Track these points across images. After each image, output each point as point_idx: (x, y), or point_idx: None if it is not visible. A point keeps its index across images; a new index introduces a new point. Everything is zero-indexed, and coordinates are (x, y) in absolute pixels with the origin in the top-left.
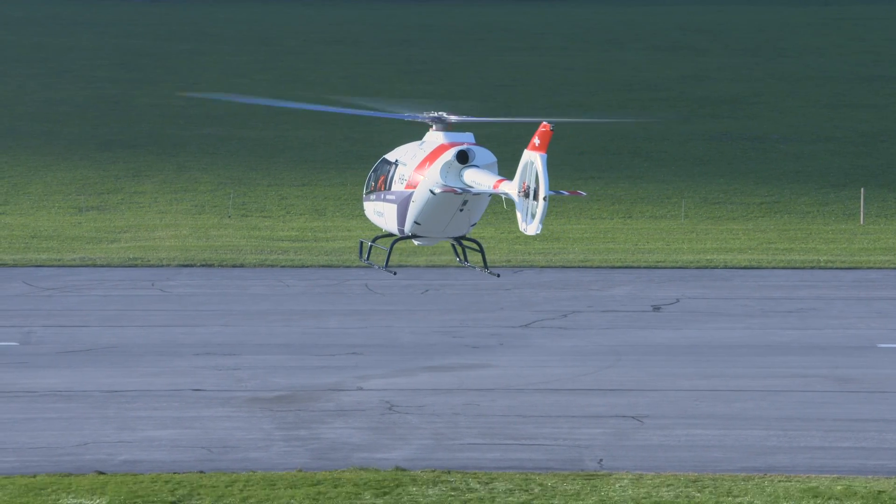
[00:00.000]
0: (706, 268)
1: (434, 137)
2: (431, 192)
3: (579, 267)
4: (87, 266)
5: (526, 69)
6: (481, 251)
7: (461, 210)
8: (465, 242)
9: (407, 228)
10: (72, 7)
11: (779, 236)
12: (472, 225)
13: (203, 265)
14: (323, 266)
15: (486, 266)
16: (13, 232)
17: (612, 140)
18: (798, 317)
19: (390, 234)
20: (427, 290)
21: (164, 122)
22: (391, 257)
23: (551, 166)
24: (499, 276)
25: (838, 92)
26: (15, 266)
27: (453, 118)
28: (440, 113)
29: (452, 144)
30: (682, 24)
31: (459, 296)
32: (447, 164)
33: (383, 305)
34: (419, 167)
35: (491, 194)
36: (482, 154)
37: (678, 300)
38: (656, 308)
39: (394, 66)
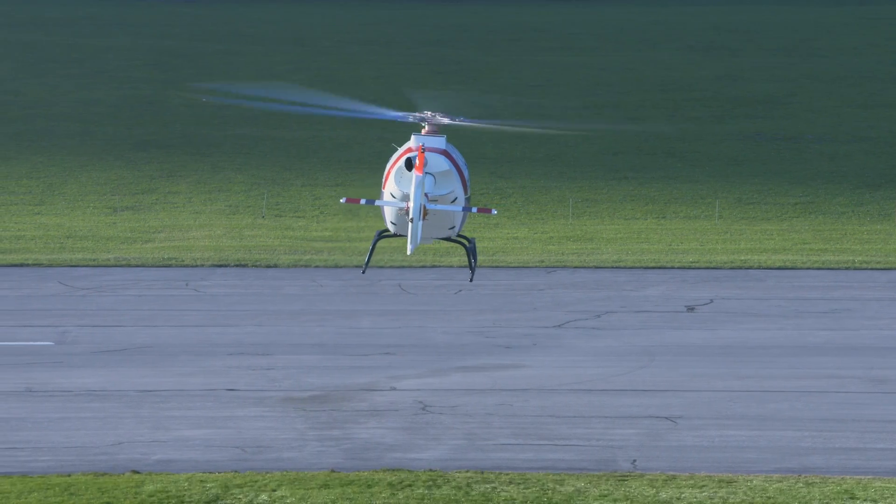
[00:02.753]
0: (740, 268)
1: (411, 140)
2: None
3: (613, 267)
4: (121, 266)
5: (559, 69)
6: (466, 252)
7: (425, 217)
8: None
9: (390, 228)
10: (107, 8)
11: (813, 237)
12: (452, 228)
13: (237, 265)
14: (356, 266)
15: (470, 266)
16: (48, 232)
17: (646, 140)
18: (832, 317)
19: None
20: (460, 291)
21: (198, 122)
22: (374, 255)
23: (585, 166)
24: (471, 280)
25: (873, 92)
26: (50, 266)
27: (445, 120)
28: (431, 113)
29: (420, 149)
30: (717, 24)
31: (492, 296)
32: (399, 170)
33: (416, 305)
34: (389, 170)
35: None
36: (434, 161)
37: (712, 301)
38: (690, 308)
39: (427, 67)
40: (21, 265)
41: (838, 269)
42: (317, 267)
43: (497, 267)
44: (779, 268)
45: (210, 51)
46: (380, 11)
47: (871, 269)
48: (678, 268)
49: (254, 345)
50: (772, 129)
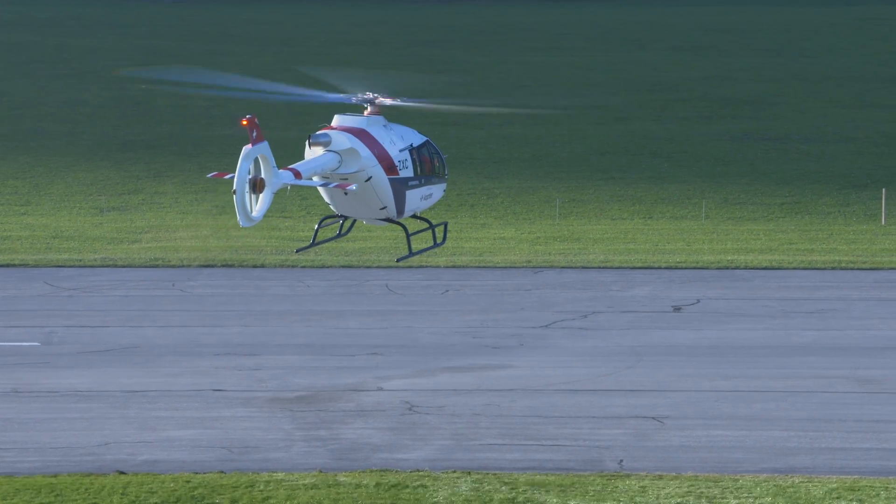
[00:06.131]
0: (727, 268)
1: (334, 120)
2: None
3: (600, 267)
4: (108, 266)
5: (548, 69)
6: (406, 235)
7: (346, 194)
8: (407, 223)
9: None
10: (95, 8)
11: (800, 237)
12: (383, 208)
13: (224, 265)
14: (343, 266)
15: (408, 246)
16: (35, 232)
17: (632, 140)
18: (819, 317)
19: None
20: (447, 291)
21: (185, 122)
22: (317, 235)
23: (572, 166)
24: (398, 259)
25: (860, 92)
26: (36, 266)
27: (387, 101)
28: (372, 95)
29: (340, 128)
30: (704, 24)
31: (480, 296)
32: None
33: (403, 306)
34: None
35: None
36: (336, 140)
37: (699, 301)
38: (677, 309)
39: (416, 67)
40: (7, 266)
41: (825, 269)
42: (303, 267)
43: (484, 267)
44: (765, 268)
45: (198, 51)
46: (368, 12)
47: (858, 269)
48: (665, 268)
49: (241, 345)
50: (759, 129)
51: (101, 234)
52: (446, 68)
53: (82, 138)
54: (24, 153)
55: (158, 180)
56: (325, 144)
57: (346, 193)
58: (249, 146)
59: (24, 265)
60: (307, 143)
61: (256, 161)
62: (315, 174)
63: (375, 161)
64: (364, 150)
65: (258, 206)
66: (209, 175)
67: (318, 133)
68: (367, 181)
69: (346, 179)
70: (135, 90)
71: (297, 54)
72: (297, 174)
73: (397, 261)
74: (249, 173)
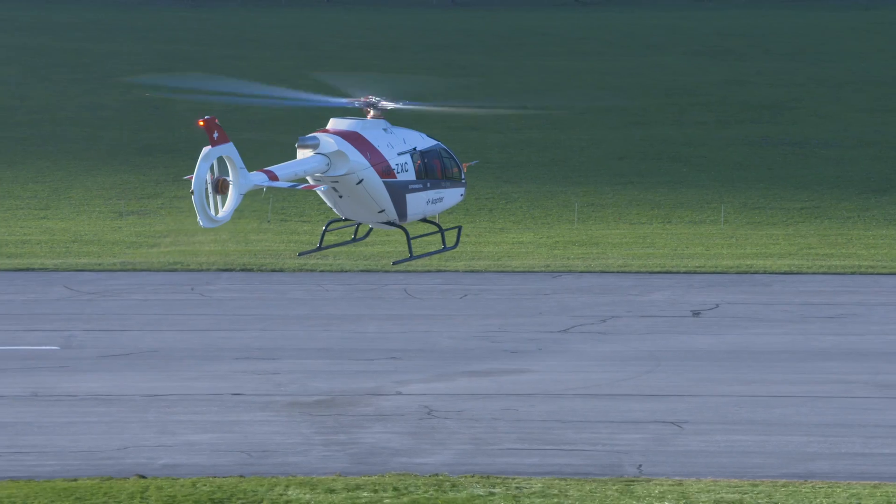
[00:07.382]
0: (746, 273)
1: (329, 123)
2: None
3: (618, 272)
4: (127, 270)
5: (565, 74)
6: (406, 238)
7: (340, 197)
8: (406, 226)
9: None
10: (114, 13)
11: (819, 241)
12: (382, 212)
13: (242, 270)
14: (362, 271)
15: (409, 250)
16: (54, 236)
17: (651, 145)
18: (838, 322)
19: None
20: (466, 295)
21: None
22: (325, 238)
23: (591, 171)
24: (393, 262)
25: (879, 96)
26: (56, 270)
27: (389, 105)
28: (374, 98)
29: (333, 131)
30: (723, 28)
31: (498, 301)
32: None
33: (422, 310)
34: None
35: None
36: (324, 142)
37: (718, 305)
38: (696, 313)
39: (433, 72)
40: (27, 270)
41: (844, 273)
42: (322, 271)
43: (503, 272)
44: (784, 272)
45: (216, 55)
46: (386, 16)
47: (877, 273)
48: (684, 272)
49: (259, 349)
50: (777, 133)
51: (120, 238)
52: (464, 73)
53: (101, 142)
54: (44, 157)
55: (177, 184)
56: (314, 147)
57: (340, 196)
58: (209, 147)
59: (44, 269)
60: (296, 145)
61: (222, 162)
62: (299, 177)
63: (367, 164)
64: (353, 153)
65: (225, 206)
66: (185, 177)
67: (306, 136)
68: (358, 184)
69: (337, 182)
70: (153, 94)
71: (315, 59)
72: (273, 176)
73: (393, 264)
74: (213, 174)
